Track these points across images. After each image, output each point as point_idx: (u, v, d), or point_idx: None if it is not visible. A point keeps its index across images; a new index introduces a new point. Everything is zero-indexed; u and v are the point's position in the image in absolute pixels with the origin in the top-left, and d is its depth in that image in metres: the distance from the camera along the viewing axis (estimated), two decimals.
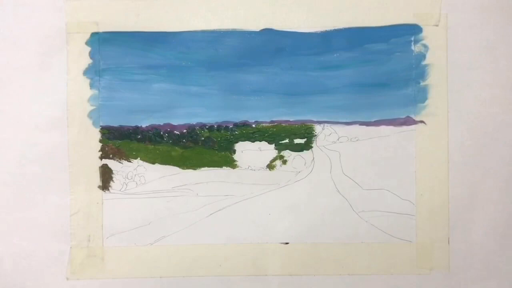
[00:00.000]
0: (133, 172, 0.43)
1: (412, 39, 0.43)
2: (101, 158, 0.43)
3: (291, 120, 0.43)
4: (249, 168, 0.43)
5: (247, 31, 0.43)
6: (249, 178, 0.43)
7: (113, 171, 0.43)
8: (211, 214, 0.43)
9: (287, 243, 0.43)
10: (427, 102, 0.43)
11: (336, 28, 0.43)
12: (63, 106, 0.43)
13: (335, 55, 0.43)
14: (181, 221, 0.43)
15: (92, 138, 0.43)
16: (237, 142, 0.43)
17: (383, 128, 0.43)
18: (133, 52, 0.43)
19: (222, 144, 0.43)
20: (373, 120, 0.43)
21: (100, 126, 0.43)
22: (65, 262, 0.43)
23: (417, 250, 0.43)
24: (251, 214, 0.43)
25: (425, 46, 0.43)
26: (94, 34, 0.42)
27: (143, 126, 0.43)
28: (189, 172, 0.43)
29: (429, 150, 0.43)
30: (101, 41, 0.42)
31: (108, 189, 0.43)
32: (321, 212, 0.43)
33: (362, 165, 0.43)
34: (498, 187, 0.43)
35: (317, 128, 0.43)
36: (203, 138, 0.43)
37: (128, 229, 0.43)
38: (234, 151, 0.43)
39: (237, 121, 0.43)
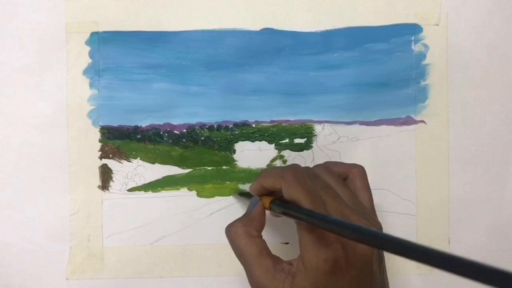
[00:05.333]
0: (133, 172, 0.43)
1: (413, 38, 0.43)
2: (100, 158, 0.43)
3: (291, 120, 0.43)
4: (249, 168, 0.43)
5: (247, 30, 0.43)
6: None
7: (113, 171, 0.43)
8: (211, 214, 0.43)
9: (287, 243, 0.43)
10: (427, 102, 0.43)
11: (336, 28, 0.43)
12: (62, 106, 0.43)
13: (335, 55, 0.43)
14: (181, 221, 0.43)
15: (91, 138, 0.43)
16: (237, 142, 0.43)
17: (383, 128, 0.43)
18: (133, 52, 0.43)
19: (222, 144, 0.43)
20: (373, 120, 0.43)
21: (100, 126, 0.43)
22: (65, 262, 0.43)
23: None
24: None
25: (425, 45, 0.43)
26: (93, 34, 0.42)
27: (143, 126, 0.43)
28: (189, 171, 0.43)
29: (430, 150, 0.43)
30: (100, 41, 0.42)
31: (108, 189, 0.43)
32: None
33: (362, 165, 0.43)
34: (498, 187, 0.43)
35: (317, 128, 0.43)
36: (203, 138, 0.43)
37: (128, 229, 0.43)
38: (234, 151, 0.43)
39: (237, 121, 0.43)
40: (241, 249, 0.31)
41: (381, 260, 0.32)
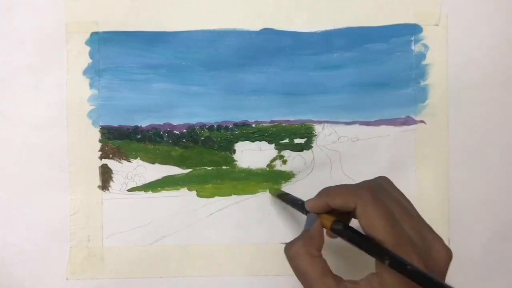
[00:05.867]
0: (133, 172, 0.43)
1: (412, 39, 0.43)
2: (100, 158, 0.43)
3: (291, 120, 0.43)
4: (249, 168, 0.43)
5: (247, 31, 0.43)
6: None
7: (113, 171, 0.43)
8: (211, 214, 0.43)
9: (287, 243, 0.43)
10: (427, 102, 0.43)
11: (336, 28, 0.43)
12: (62, 106, 0.43)
13: (335, 55, 0.43)
14: (181, 221, 0.43)
15: (91, 138, 0.43)
16: (237, 142, 0.43)
17: (383, 128, 0.43)
18: (133, 52, 0.43)
19: (222, 144, 0.43)
20: (373, 120, 0.43)
21: (100, 126, 0.43)
22: (65, 262, 0.43)
23: None
24: (251, 214, 0.43)
25: (425, 46, 0.43)
26: (94, 34, 0.42)
27: (143, 126, 0.43)
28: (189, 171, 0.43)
29: (430, 150, 0.43)
30: (101, 41, 0.42)
31: (108, 189, 0.43)
32: None
33: (362, 165, 0.43)
34: (498, 187, 0.43)
35: (317, 128, 0.43)
36: (203, 138, 0.43)
37: (128, 229, 0.43)
38: (234, 151, 0.43)
39: (237, 121, 0.43)
40: (303, 269, 0.30)
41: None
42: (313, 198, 0.33)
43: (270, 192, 0.43)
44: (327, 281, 0.29)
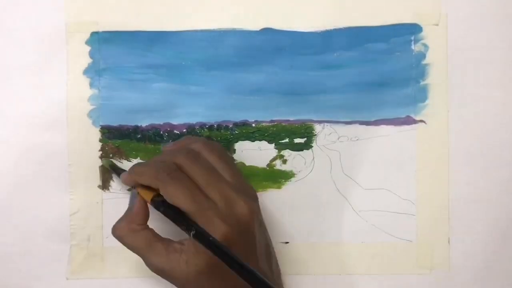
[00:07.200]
0: None
1: (412, 38, 0.43)
2: (101, 157, 0.43)
3: (291, 119, 0.43)
4: (249, 167, 0.43)
5: (247, 30, 0.43)
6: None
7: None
8: None
9: (287, 243, 0.43)
10: (427, 101, 0.43)
11: (336, 28, 0.43)
12: (62, 106, 0.43)
13: (335, 55, 0.43)
14: None
15: (91, 138, 0.43)
16: (237, 142, 0.43)
17: (383, 128, 0.43)
18: (133, 51, 0.43)
19: (222, 144, 0.43)
20: (373, 119, 0.43)
21: (100, 125, 0.43)
22: (65, 262, 0.43)
23: (417, 250, 0.43)
24: None
25: (425, 45, 0.43)
26: (94, 34, 0.42)
27: (143, 125, 0.43)
28: None
29: (430, 150, 0.43)
30: (101, 41, 0.42)
31: (108, 189, 0.43)
32: (321, 212, 0.43)
33: (362, 164, 0.43)
34: (498, 187, 0.43)
35: (317, 128, 0.43)
36: None
37: None
38: (234, 151, 0.43)
39: (237, 120, 0.43)
40: (129, 245, 0.33)
41: (260, 224, 0.36)
42: (125, 173, 0.36)
43: (103, 162, 0.43)
44: (156, 247, 0.32)
